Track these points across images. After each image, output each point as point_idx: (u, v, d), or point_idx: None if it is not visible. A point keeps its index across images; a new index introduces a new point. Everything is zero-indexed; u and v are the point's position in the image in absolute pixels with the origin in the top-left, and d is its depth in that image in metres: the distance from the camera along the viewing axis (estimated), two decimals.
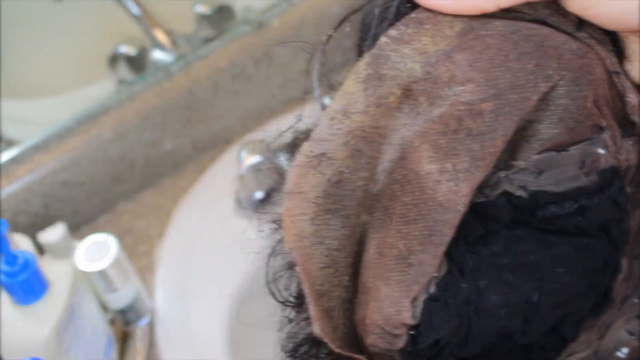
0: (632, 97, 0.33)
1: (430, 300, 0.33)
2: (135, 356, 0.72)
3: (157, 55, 0.86)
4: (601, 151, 0.33)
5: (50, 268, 0.64)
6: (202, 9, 0.87)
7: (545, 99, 0.33)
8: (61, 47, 0.88)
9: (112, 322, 0.73)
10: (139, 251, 0.81)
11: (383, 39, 0.33)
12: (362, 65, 0.33)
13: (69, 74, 0.88)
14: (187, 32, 0.88)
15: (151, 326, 0.73)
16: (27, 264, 0.59)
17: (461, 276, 0.34)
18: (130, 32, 0.85)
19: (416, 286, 0.33)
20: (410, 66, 0.32)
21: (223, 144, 0.91)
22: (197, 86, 0.85)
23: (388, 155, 0.33)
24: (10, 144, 0.80)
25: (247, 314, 0.76)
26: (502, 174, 0.33)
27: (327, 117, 0.33)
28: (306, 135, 0.34)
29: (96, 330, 0.68)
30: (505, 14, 0.32)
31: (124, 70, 0.84)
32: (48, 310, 0.61)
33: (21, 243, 0.70)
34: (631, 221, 0.35)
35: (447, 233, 0.32)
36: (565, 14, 0.32)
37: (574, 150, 0.33)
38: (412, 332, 0.33)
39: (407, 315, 0.32)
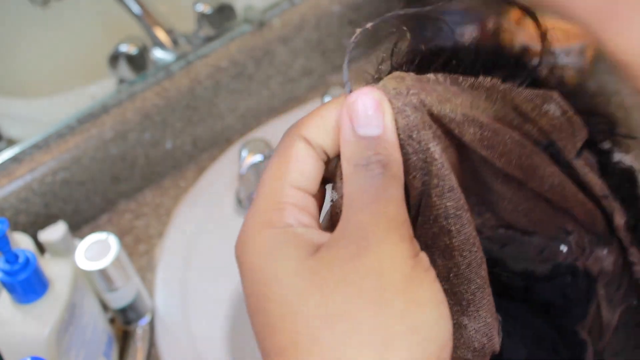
0: (618, 219, 0.36)
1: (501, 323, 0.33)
2: (135, 355, 0.72)
3: (158, 54, 0.86)
4: (563, 248, 0.37)
5: (51, 267, 0.64)
6: (203, 8, 0.87)
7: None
8: (62, 46, 0.88)
9: (112, 321, 0.73)
10: (139, 250, 0.81)
11: None
12: None
13: (69, 73, 0.88)
14: (188, 31, 0.88)
15: (151, 326, 0.73)
16: (28, 263, 0.59)
17: None
18: (131, 31, 0.85)
19: (494, 311, 0.33)
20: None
21: (224, 143, 0.91)
22: (197, 85, 0.85)
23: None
24: (10, 142, 0.80)
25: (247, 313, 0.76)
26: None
27: None
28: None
29: (96, 329, 0.68)
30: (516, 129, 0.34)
31: (124, 69, 0.84)
32: (48, 309, 0.61)
33: (21, 242, 0.70)
34: (606, 318, 0.38)
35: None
36: (571, 140, 0.34)
37: (536, 238, 0.36)
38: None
39: (498, 340, 0.32)
